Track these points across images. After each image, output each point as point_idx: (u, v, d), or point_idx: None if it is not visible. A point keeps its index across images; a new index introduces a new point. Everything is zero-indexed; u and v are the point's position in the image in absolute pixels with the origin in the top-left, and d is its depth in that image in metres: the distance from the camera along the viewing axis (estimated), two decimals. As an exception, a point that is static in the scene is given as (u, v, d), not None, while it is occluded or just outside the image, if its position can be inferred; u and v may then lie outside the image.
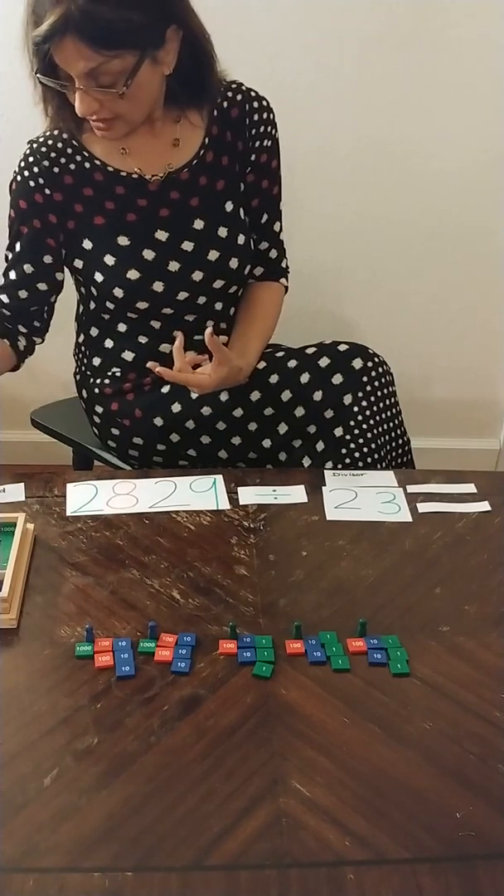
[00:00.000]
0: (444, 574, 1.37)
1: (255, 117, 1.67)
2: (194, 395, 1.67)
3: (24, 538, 1.36)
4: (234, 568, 1.37)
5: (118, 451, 1.79)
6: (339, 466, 1.63)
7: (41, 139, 1.64)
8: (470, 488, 1.55)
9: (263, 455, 1.70)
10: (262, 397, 1.67)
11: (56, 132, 1.63)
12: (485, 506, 1.51)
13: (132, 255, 1.63)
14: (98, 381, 1.76)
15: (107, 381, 1.75)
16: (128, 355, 1.72)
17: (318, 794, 1.03)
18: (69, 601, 1.30)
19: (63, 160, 1.62)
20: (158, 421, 1.70)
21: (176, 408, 1.69)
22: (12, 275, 1.68)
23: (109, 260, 1.63)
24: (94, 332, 1.76)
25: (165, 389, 1.70)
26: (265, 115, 1.67)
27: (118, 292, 1.64)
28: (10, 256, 1.69)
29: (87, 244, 1.64)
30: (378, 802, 1.03)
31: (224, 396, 1.66)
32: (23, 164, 1.63)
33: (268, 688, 1.17)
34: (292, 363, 1.68)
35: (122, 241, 1.63)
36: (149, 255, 1.63)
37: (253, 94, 1.67)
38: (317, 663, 1.20)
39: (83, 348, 1.81)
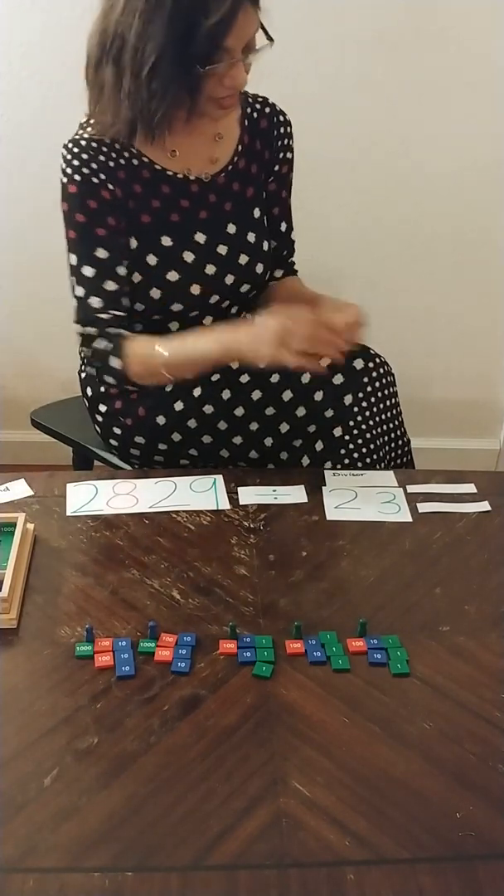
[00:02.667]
0: (444, 574, 1.37)
1: (281, 130, 1.72)
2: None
3: (24, 538, 1.36)
4: (234, 568, 1.37)
5: (119, 451, 1.79)
6: (339, 466, 1.63)
7: (84, 137, 1.58)
8: (470, 488, 1.55)
9: (264, 454, 1.71)
10: (262, 397, 1.67)
11: (92, 135, 1.58)
12: (485, 506, 1.51)
13: (174, 257, 1.63)
14: (104, 379, 1.76)
15: (113, 379, 1.74)
16: None
17: (318, 794, 1.03)
18: (69, 601, 1.30)
19: (114, 155, 1.59)
20: (161, 420, 1.70)
21: (178, 406, 1.69)
22: (109, 285, 1.59)
23: (152, 260, 1.62)
24: None
25: (168, 388, 1.70)
26: (288, 130, 1.74)
27: (155, 293, 1.63)
28: (93, 271, 1.59)
29: (133, 242, 1.62)
30: (378, 802, 1.03)
31: (227, 395, 1.66)
32: (76, 162, 1.56)
33: (268, 688, 1.17)
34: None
35: (166, 241, 1.63)
36: (189, 257, 1.64)
37: (278, 108, 1.74)
38: (317, 663, 1.20)
39: None
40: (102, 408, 1.77)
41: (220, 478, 1.56)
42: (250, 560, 1.38)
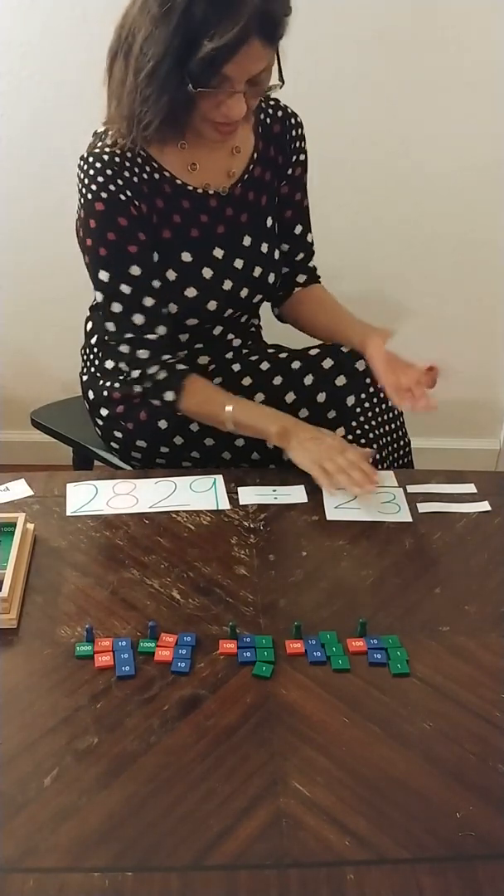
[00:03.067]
0: (444, 574, 1.37)
1: (294, 133, 1.71)
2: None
3: (24, 538, 1.36)
4: (234, 568, 1.37)
5: (121, 453, 1.79)
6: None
7: (105, 150, 1.54)
8: (470, 488, 1.55)
9: (267, 455, 1.71)
10: (265, 399, 1.67)
11: (113, 144, 1.55)
12: (485, 506, 1.51)
13: (192, 273, 1.62)
14: (107, 383, 1.75)
15: (116, 384, 1.74)
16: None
17: (318, 794, 1.03)
18: (69, 601, 1.29)
19: (136, 169, 1.56)
20: (163, 424, 1.70)
21: (180, 413, 1.69)
22: (148, 301, 1.58)
23: (171, 275, 1.61)
24: None
25: None
26: (300, 132, 1.72)
27: (172, 308, 1.62)
28: (130, 289, 1.57)
29: (154, 257, 1.60)
30: (378, 802, 1.03)
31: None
32: (101, 179, 1.53)
33: (268, 688, 1.17)
34: (296, 364, 1.69)
35: (186, 257, 1.61)
36: (207, 273, 1.63)
37: (290, 111, 1.71)
38: (317, 663, 1.20)
39: (95, 350, 1.79)
40: (104, 412, 1.76)
41: (220, 478, 1.56)
42: (250, 560, 1.38)
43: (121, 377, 1.70)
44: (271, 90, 1.50)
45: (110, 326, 1.62)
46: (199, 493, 1.52)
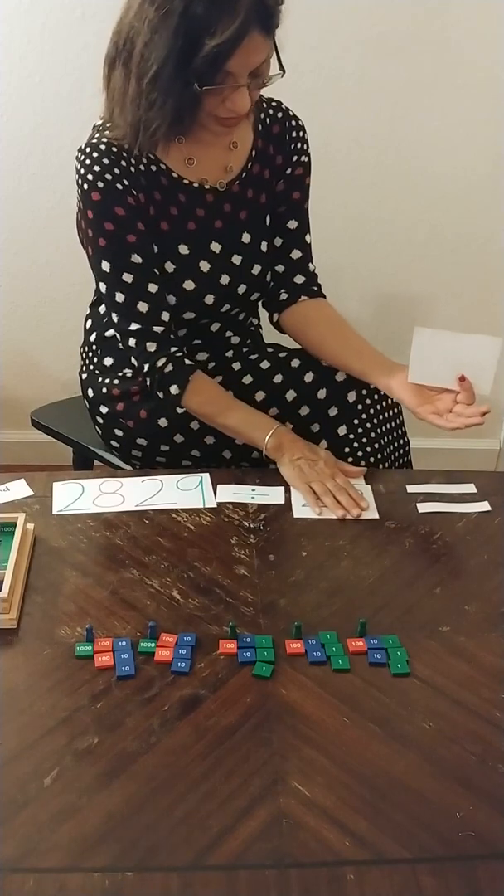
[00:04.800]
0: (444, 574, 1.37)
1: (294, 134, 1.70)
2: None
3: (24, 538, 1.36)
4: (234, 568, 1.37)
5: (121, 452, 1.79)
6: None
7: (102, 142, 1.54)
8: (470, 488, 1.55)
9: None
10: (266, 397, 1.67)
11: (111, 139, 1.55)
12: (485, 506, 1.51)
13: (190, 265, 1.62)
14: (107, 380, 1.76)
15: (116, 381, 1.74)
16: None
17: (318, 794, 1.03)
18: (69, 601, 1.30)
19: (133, 160, 1.56)
20: (163, 422, 1.70)
21: (181, 408, 1.69)
22: (151, 287, 1.58)
23: (169, 267, 1.61)
24: (111, 333, 1.74)
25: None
26: (302, 134, 1.72)
27: (171, 299, 1.62)
28: (132, 277, 1.56)
29: (154, 248, 1.61)
30: (378, 802, 1.03)
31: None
32: (97, 168, 1.52)
33: (268, 688, 1.17)
34: (296, 363, 1.69)
35: (183, 249, 1.62)
36: (204, 266, 1.63)
37: (291, 113, 1.71)
38: (317, 663, 1.20)
39: (94, 347, 1.80)
40: (104, 409, 1.76)
41: (206, 476, 1.56)
42: (250, 560, 1.38)
43: (129, 371, 1.71)
44: (272, 80, 1.50)
45: (115, 317, 1.61)
46: (185, 492, 1.52)
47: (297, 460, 1.55)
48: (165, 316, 1.61)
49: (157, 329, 1.60)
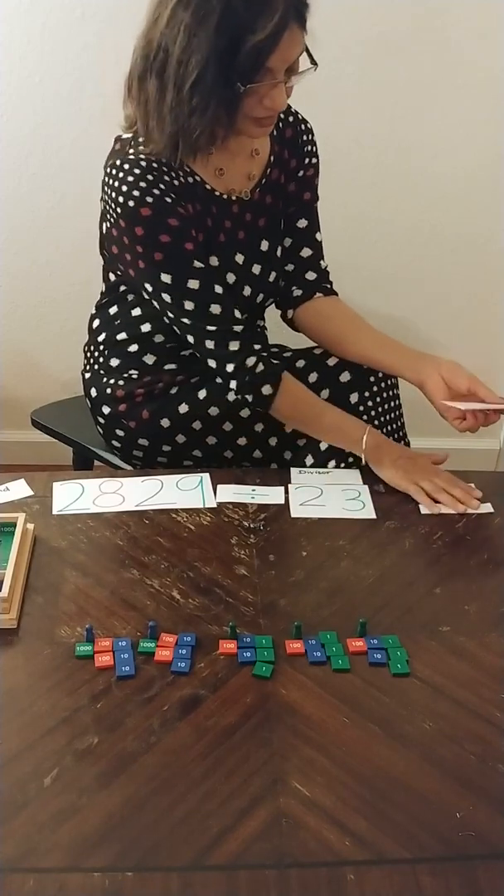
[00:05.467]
0: (444, 574, 1.37)
1: (305, 138, 1.71)
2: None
3: (24, 538, 1.36)
4: (234, 568, 1.37)
5: (122, 452, 1.79)
6: (343, 465, 1.63)
7: (141, 158, 1.52)
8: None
9: (269, 454, 1.71)
10: None
11: (148, 154, 1.53)
12: (487, 507, 1.51)
13: (219, 278, 1.61)
14: (111, 381, 1.75)
15: (121, 381, 1.74)
16: (149, 358, 1.71)
17: (318, 794, 1.03)
18: (69, 601, 1.30)
19: (173, 174, 1.55)
20: (165, 422, 1.70)
21: (183, 409, 1.69)
22: (219, 289, 1.57)
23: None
24: (122, 336, 1.73)
25: (174, 391, 1.70)
26: (312, 136, 1.72)
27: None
28: (197, 283, 1.55)
29: None
30: (378, 802, 1.03)
31: (231, 397, 1.66)
32: (143, 184, 1.51)
33: (268, 688, 1.17)
34: (301, 363, 1.70)
35: (213, 261, 1.61)
36: (231, 278, 1.63)
37: (301, 117, 1.72)
38: (317, 663, 1.20)
39: (102, 348, 1.78)
40: (106, 409, 1.76)
41: (206, 476, 1.56)
42: (250, 560, 1.38)
43: (134, 373, 1.70)
44: (304, 75, 1.50)
45: (188, 321, 1.57)
46: (185, 492, 1.52)
47: (398, 460, 1.55)
48: (239, 314, 1.59)
49: (237, 328, 1.58)
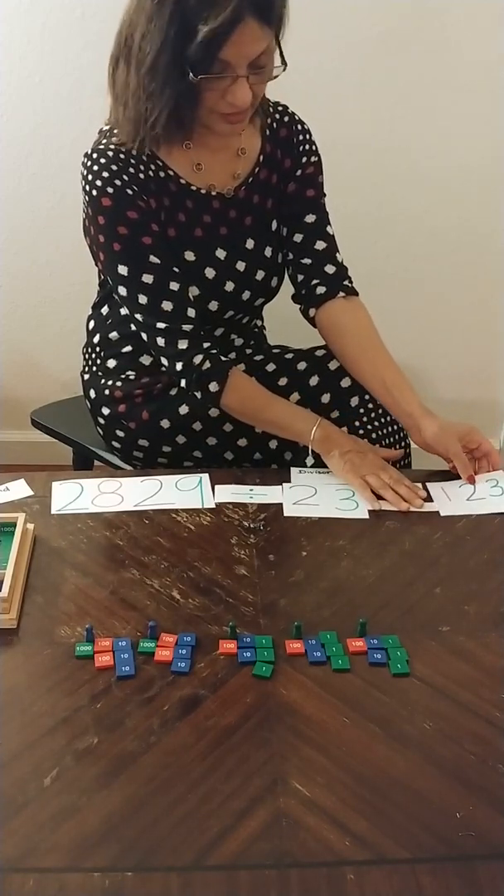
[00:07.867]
0: (444, 574, 1.37)
1: (301, 137, 1.70)
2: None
3: (24, 538, 1.36)
4: (234, 568, 1.37)
5: (122, 453, 1.79)
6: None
7: (109, 148, 1.54)
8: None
9: (269, 455, 1.71)
10: None
11: (118, 145, 1.55)
12: (429, 505, 1.50)
13: (195, 272, 1.61)
14: (109, 382, 1.75)
15: (119, 383, 1.74)
16: (146, 359, 1.71)
17: (318, 794, 1.03)
18: (69, 601, 1.29)
19: (142, 167, 1.56)
20: (165, 423, 1.70)
21: (183, 409, 1.69)
22: (173, 285, 1.57)
23: None
24: (114, 335, 1.74)
25: (174, 391, 1.70)
26: (310, 137, 1.71)
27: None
28: (152, 277, 1.55)
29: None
30: (378, 802, 1.03)
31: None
32: (106, 174, 1.52)
33: (268, 688, 1.17)
34: (302, 365, 1.70)
35: (189, 256, 1.61)
36: (210, 273, 1.63)
37: (297, 117, 1.71)
38: (317, 663, 1.20)
39: (98, 349, 1.79)
40: (105, 411, 1.76)
41: (205, 476, 1.56)
42: (250, 560, 1.38)
43: (132, 373, 1.70)
44: (271, 73, 1.49)
45: (140, 317, 1.59)
46: (184, 492, 1.52)
47: (348, 453, 1.54)
48: (192, 313, 1.59)
49: (186, 327, 1.58)
